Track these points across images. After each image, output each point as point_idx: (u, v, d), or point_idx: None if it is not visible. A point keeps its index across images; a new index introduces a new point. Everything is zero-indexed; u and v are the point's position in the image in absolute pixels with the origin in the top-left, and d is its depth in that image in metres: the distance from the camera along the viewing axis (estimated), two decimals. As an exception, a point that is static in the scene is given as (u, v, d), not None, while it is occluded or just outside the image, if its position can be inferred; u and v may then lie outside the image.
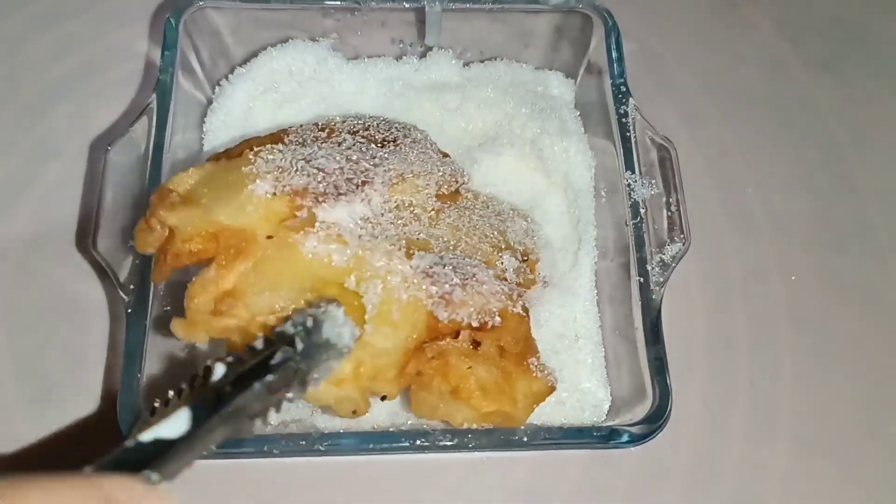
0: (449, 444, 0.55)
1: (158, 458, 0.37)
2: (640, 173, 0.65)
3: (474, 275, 0.57)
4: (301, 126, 0.63)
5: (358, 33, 0.74)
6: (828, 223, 0.77)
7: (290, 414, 0.61)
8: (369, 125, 0.65)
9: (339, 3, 0.70)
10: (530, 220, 0.68)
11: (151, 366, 0.58)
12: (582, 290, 0.67)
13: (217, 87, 0.74)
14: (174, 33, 0.68)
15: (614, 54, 0.70)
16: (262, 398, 0.45)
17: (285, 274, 0.53)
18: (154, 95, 0.65)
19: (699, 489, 0.65)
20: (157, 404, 0.43)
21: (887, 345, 0.72)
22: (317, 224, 0.54)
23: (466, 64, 0.77)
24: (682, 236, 0.63)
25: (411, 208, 0.60)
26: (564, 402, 0.64)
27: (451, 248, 0.59)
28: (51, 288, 0.68)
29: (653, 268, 0.62)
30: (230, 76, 0.74)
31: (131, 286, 0.58)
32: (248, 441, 0.54)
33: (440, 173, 0.63)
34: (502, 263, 0.60)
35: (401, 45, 0.76)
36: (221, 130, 0.72)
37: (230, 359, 0.46)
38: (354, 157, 0.60)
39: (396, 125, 0.66)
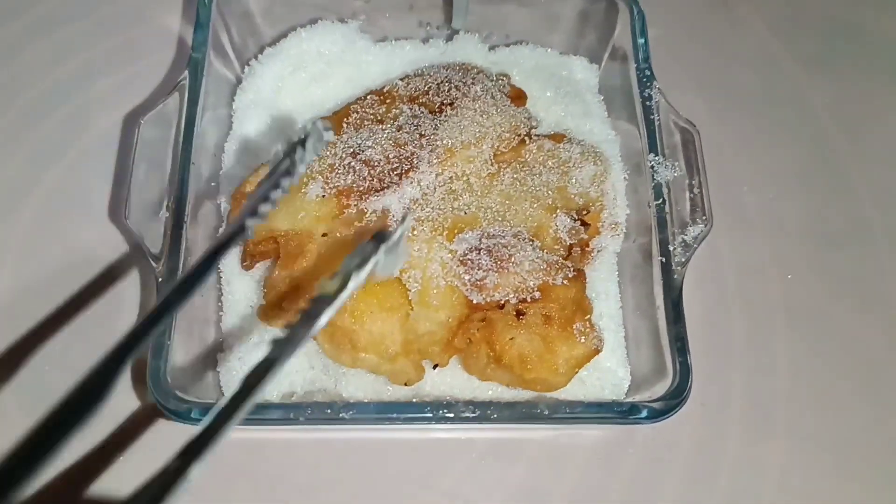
0: (471, 415, 0.56)
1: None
2: (664, 156, 0.66)
3: (511, 255, 0.59)
4: (363, 100, 0.67)
5: (386, 15, 0.75)
6: (823, 220, 0.77)
7: (316, 384, 0.62)
8: (430, 87, 0.68)
9: (369, -16, 0.72)
10: (601, 162, 0.68)
11: (179, 334, 0.59)
12: (604, 268, 0.68)
13: (247, 66, 0.75)
14: (207, 12, 0.69)
15: (639, 39, 0.71)
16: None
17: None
18: (186, 73, 0.66)
19: (698, 487, 0.65)
20: None
21: (884, 340, 0.72)
22: (365, 217, 0.60)
23: (492, 47, 0.78)
24: (704, 218, 0.63)
25: (465, 178, 0.63)
26: (584, 381, 0.64)
27: (500, 218, 0.62)
28: (84, 257, 0.69)
29: (675, 248, 0.62)
30: (259, 56, 0.75)
31: (161, 257, 0.60)
32: (274, 408, 0.56)
33: (500, 129, 0.65)
34: (555, 226, 0.63)
35: (427, 28, 0.77)
36: (251, 109, 0.73)
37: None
38: (403, 140, 0.63)
39: (458, 82, 0.68)
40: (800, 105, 0.83)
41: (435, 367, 0.61)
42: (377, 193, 0.61)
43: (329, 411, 0.55)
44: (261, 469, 0.63)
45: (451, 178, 0.63)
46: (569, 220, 0.63)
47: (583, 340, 0.60)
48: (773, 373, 0.70)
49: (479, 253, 0.59)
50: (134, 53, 0.79)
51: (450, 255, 0.59)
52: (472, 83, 0.68)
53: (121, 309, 0.67)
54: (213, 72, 0.69)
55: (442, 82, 0.68)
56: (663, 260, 0.62)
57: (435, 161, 0.62)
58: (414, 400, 0.60)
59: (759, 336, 0.71)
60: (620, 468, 0.65)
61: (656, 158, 0.66)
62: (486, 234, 0.60)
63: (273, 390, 0.62)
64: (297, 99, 0.74)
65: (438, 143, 0.63)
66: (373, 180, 0.61)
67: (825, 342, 0.71)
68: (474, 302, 0.58)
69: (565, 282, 0.60)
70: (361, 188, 0.61)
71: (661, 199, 0.64)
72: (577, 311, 0.61)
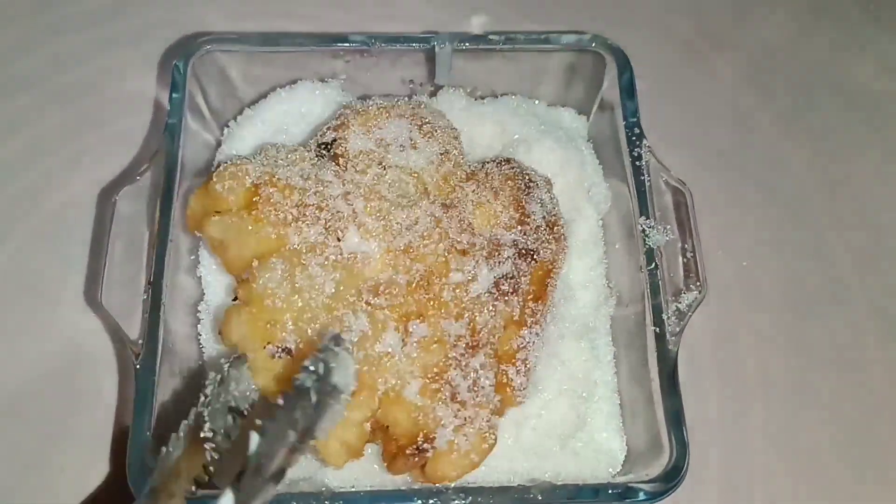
0: (462, 502, 0.54)
1: None
2: (655, 218, 0.64)
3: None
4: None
5: (367, 73, 0.73)
6: (800, 285, 0.75)
7: (299, 472, 0.60)
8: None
9: (349, 44, 0.70)
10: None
11: (160, 417, 0.57)
12: (599, 337, 0.66)
13: (226, 128, 0.73)
14: (182, 77, 0.67)
15: (627, 94, 0.69)
16: (284, 456, 0.47)
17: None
18: (163, 141, 0.64)
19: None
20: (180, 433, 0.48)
21: (863, 408, 0.70)
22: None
23: (478, 98, 0.76)
24: (697, 284, 0.62)
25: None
26: (579, 453, 0.63)
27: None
28: (59, 342, 0.68)
29: (668, 316, 0.61)
30: (238, 118, 0.73)
31: (140, 341, 0.58)
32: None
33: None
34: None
35: (411, 85, 0.75)
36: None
37: (261, 423, 0.48)
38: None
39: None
40: (775, 162, 0.81)
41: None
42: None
43: (316, 501, 0.54)
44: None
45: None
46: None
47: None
48: (751, 446, 0.68)
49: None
50: (109, 118, 0.77)
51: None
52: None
53: (98, 398, 0.66)
54: (190, 136, 0.68)
55: None
56: (657, 330, 0.60)
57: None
58: (403, 488, 0.58)
59: (735, 408, 0.69)
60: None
61: (647, 222, 0.64)
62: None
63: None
64: (278, 160, 0.72)
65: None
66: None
67: (803, 413, 0.70)
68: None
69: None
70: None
71: (653, 265, 0.63)
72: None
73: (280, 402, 0.49)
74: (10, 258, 0.71)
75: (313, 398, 0.49)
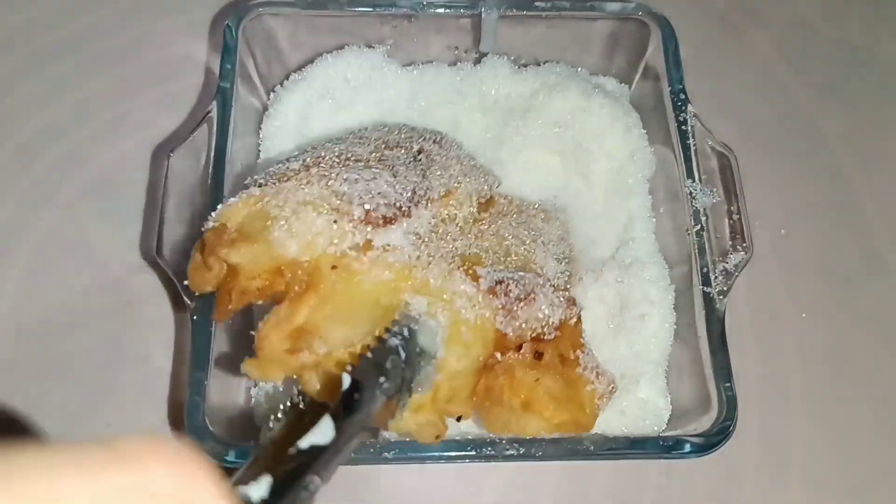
0: (515, 453, 0.55)
1: (314, 463, 0.39)
2: (701, 181, 0.65)
3: (534, 290, 0.56)
4: (333, 143, 0.62)
5: (413, 40, 0.74)
6: (837, 255, 0.76)
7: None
8: (400, 136, 0.64)
9: (396, 10, 0.71)
10: (562, 219, 0.68)
11: (216, 370, 0.58)
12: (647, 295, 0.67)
13: (272, 93, 0.74)
14: (234, 40, 0.68)
15: (673, 62, 0.70)
16: (380, 405, 0.46)
17: (354, 304, 0.52)
18: (214, 103, 0.65)
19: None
20: (279, 415, 0.45)
21: None
22: (373, 250, 0.53)
23: (521, 66, 0.77)
24: (744, 245, 0.63)
25: (456, 221, 0.60)
26: (625, 412, 0.63)
27: (501, 259, 0.59)
28: (116, 294, 0.68)
29: (716, 276, 0.62)
30: (285, 82, 0.74)
31: (196, 294, 0.59)
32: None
33: (479, 181, 0.63)
34: (547, 270, 0.60)
35: (456, 52, 0.76)
36: (277, 137, 0.72)
37: (350, 368, 0.47)
38: (402, 174, 0.58)
39: (427, 132, 0.66)
40: (812, 135, 0.82)
41: (458, 419, 0.55)
42: (390, 224, 0.55)
43: (373, 451, 0.55)
44: None
45: (443, 219, 0.59)
46: (556, 264, 0.62)
47: (599, 379, 0.57)
48: (789, 415, 0.68)
49: (505, 284, 0.56)
50: (157, 80, 0.78)
51: (474, 288, 0.55)
52: (442, 138, 0.66)
53: (153, 347, 0.67)
54: (239, 100, 0.68)
55: (412, 132, 0.65)
56: (705, 289, 0.61)
57: (435, 198, 0.59)
58: (457, 437, 0.59)
59: (773, 377, 0.70)
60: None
61: (693, 185, 0.65)
62: (498, 271, 0.57)
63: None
64: (324, 126, 0.73)
65: (433, 181, 0.59)
66: (387, 209, 0.55)
67: (841, 382, 0.70)
68: (505, 335, 0.55)
69: (576, 320, 0.59)
70: (375, 217, 0.54)
71: (699, 226, 0.63)
72: (584, 352, 0.58)
73: (368, 354, 0.48)
74: (61, 214, 0.72)
75: (402, 354, 0.49)
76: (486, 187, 0.63)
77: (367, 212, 0.54)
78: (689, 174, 0.65)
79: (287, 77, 0.75)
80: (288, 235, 0.52)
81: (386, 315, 0.52)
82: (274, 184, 0.56)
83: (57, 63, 0.78)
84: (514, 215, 0.64)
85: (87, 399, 0.65)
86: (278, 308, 0.52)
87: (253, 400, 0.64)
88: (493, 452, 0.55)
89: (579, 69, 0.77)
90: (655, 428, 0.63)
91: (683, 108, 0.68)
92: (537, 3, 0.71)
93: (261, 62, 0.73)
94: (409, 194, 0.57)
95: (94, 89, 0.77)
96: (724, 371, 0.58)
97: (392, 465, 0.63)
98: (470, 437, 0.58)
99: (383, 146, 0.62)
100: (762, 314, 0.72)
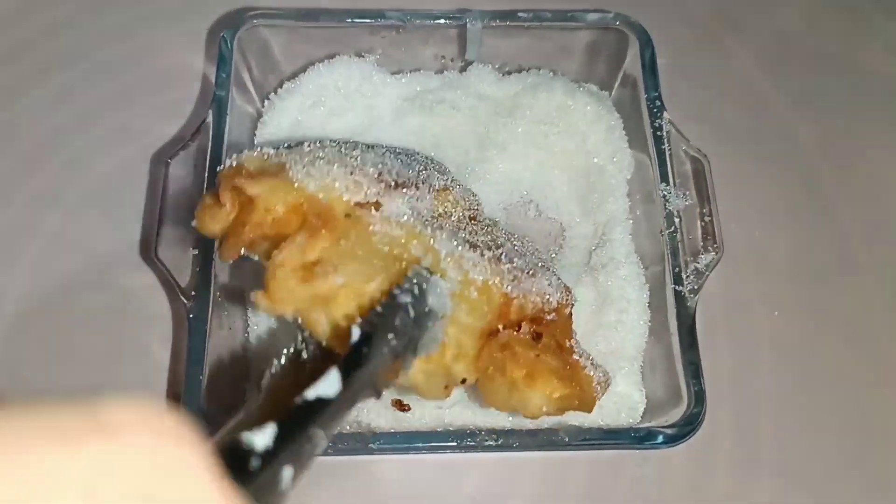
0: (494, 444, 0.58)
1: (318, 416, 0.37)
2: (675, 185, 0.68)
3: (535, 266, 0.58)
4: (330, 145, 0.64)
5: (402, 49, 0.77)
6: (810, 256, 0.78)
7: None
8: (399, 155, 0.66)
9: (385, 21, 0.74)
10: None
11: (213, 369, 0.61)
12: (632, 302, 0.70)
13: (266, 100, 0.77)
14: (229, 50, 0.71)
15: (649, 69, 0.73)
16: (387, 362, 0.46)
17: (366, 251, 0.53)
18: (210, 111, 0.68)
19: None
20: (281, 360, 0.44)
21: (871, 377, 0.73)
22: (382, 211, 0.55)
23: (505, 73, 0.80)
24: (715, 246, 0.66)
25: (452, 217, 0.62)
26: (601, 405, 0.66)
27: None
28: (116, 295, 0.71)
29: (687, 276, 0.64)
30: (279, 90, 0.77)
31: (192, 292, 0.62)
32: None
33: (467, 196, 0.65)
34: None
35: (442, 60, 0.79)
36: (272, 143, 0.75)
37: (360, 321, 0.47)
38: (407, 160, 0.63)
39: (420, 156, 0.69)
40: (788, 140, 0.84)
41: (463, 381, 0.55)
42: (400, 188, 0.57)
43: (358, 442, 0.58)
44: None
45: (440, 213, 0.61)
46: (546, 272, 0.63)
47: (595, 369, 0.59)
48: (760, 408, 0.71)
49: (508, 257, 0.57)
50: (156, 90, 0.81)
51: (480, 256, 0.56)
52: (432, 161, 0.69)
53: (151, 347, 0.70)
54: (234, 107, 0.71)
55: (408, 156, 0.67)
56: (677, 288, 0.64)
57: (437, 187, 0.61)
58: (438, 429, 0.62)
59: (745, 373, 0.72)
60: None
61: (667, 188, 0.68)
62: (503, 246, 0.59)
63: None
64: (316, 132, 0.76)
65: (433, 179, 0.62)
66: (397, 175, 0.58)
67: (812, 380, 0.72)
68: (509, 302, 0.55)
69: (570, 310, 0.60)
70: (387, 179, 0.57)
71: (672, 228, 0.66)
72: (573, 344, 0.60)
73: (378, 309, 0.49)
74: (65, 217, 0.75)
75: (411, 313, 0.48)
76: (475, 204, 0.65)
77: (380, 172, 0.57)
78: (664, 178, 0.68)
79: (281, 85, 0.78)
80: (306, 175, 0.55)
81: (396, 266, 0.53)
82: (287, 147, 0.60)
83: (60, 73, 0.81)
84: (498, 229, 0.66)
85: (88, 394, 0.68)
86: (294, 236, 0.53)
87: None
88: (473, 443, 0.58)
89: (561, 75, 0.80)
90: (630, 420, 0.66)
91: (659, 114, 0.71)
92: (520, 14, 0.74)
93: (255, 71, 0.76)
94: (415, 174, 0.61)
95: (95, 98, 0.80)
96: (693, 366, 0.61)
97: (374, 457, 0.66)
98: (451, 429, 0.61)
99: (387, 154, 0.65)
100: (736, 312, 0.75)
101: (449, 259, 0.54)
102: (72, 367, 0.69)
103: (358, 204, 0.55)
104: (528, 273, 0.57)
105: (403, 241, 0.54)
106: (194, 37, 0.83)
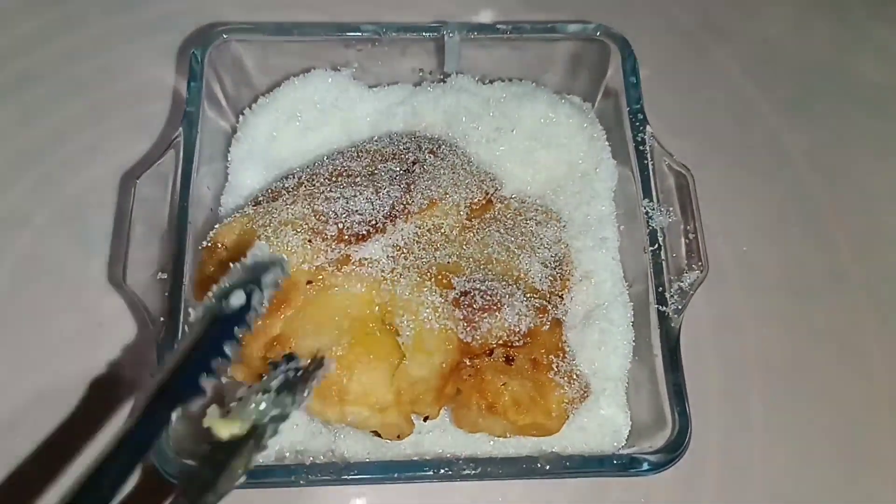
0: (472, 472, 0.56)
1: None
2: (658, 200, 0.66)
3: (500, 299, 0.59)
4: (331, 158, 0.67)
5: (378, 62, 0.75)
6: (799, 271, 0.77)
7: (316, 437, 0.62)
8: (398, 148, 0.67)
9: (360, 34, 0.72)
10: (561, 222, 0.70)
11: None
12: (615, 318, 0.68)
13: (241, 116, 0.76)
14: (199, 65, 0.69)
15: (631, 82, 0.71)
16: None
17: (326, 315, 0.57)
18: (181, 129, 0.66)
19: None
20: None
21: (860, 394, 0.72)
22: (350, 265, 0.58)
23: (487, 82, 0.77)
24: (699, 264, 0.64)
25: (442, 230, 0.63)
26: (585, 428, 0.64)
27: (481, 266, 0.62)
28: (87, 316, 0.70)
29: (671, 295, 0.63)
30: (253, 105, 0.75)
31: (161, 318, 0.60)
32: (276, 471, 0.56)
33: (471, 188, 0.65)
34: (532, 275, 0.63)
35: (420, 73, 0.77)
36: (246, 160, 0.73)
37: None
38: (385, 190, 0.63)
39: (425, 142, 0.68)
40: (776, 151, 0.83)
41: (425, 419, 0.59)
42: (362, 241, 0.59)
43: (332, 472, 0.56)
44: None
45: (429, 229, 0.63)
46: (543, 269, 0.64)
47: (571, 384, 0.60)
48: (750, 429, 0.70)
49: (470, 296, 0.59)
50: (128, 107, 0.79)
51: (441, 298, 0.58)
52: (441, 145, 0.69)
53: (118, 372, 0.68)
54: (207, 123, 0.70)
55: (410, 142, 0.68)
56: (660, 308, 0.62)
57: (415, 211, 0.62)
58: (414, 458, 0.60)
59: (734, 391, 0.71)
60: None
61: (650, 204, 0.66)
62: (472, 279, 0.60)
63: (273, 445, 0.62)
64: (292, 147, 0.74)
65: (416, 195, 0.63)
66: (360, 225, 0.60)
67: (800, 396, 0.71)
68: (469, 343, 0.58)
69: (551, 325, 0.61)
70: (351, 231, 0.59)
71: (656, 246, 0.65)
72: (560, 357, 0.61)
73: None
74: (32, 241, 0.73)
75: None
76: (479, 194, 0.66)
77: (340, 230, 0.59)
78: (647, 193, 0.66)
79: (255, 100, 0.76)
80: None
81: (355, 325, 0.57)
82: (267, 202, 0.63)
83: (27, 90, 0.79)
84: (508, 220, 0.67)
85: (60, 416, 0.66)
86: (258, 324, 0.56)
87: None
88: (450, 472, 0.56)
89: (543, 87, 0.78)
90: (615, 444, 0.64)
91: (642, 128, 0.69)
92: (498, 26, 0.72)
93: (228, 86, 0.74)
94: (386, 210, 0.61)
95: (64, 116, 0.78)
96: (677, 388, 0.60)
97: (353, 487, 0.65)
98: (428, 458, 0.59)
99: (379, 159, 0.67)
100: (723, 329, 0.73)
101: (407, 311, 0.57)
102: (43, 391, 0.67)
103: (320, 267, 0.58)
104: (487, 311, 0.59)
105: (365, 297, 0.58)
106: (166, 53, 0.82)
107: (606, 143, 0.74)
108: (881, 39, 0.90)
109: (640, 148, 0.68)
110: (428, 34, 0.72)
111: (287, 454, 0.62)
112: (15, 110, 0.78)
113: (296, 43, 0.74)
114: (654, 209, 0.66)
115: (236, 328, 0.48)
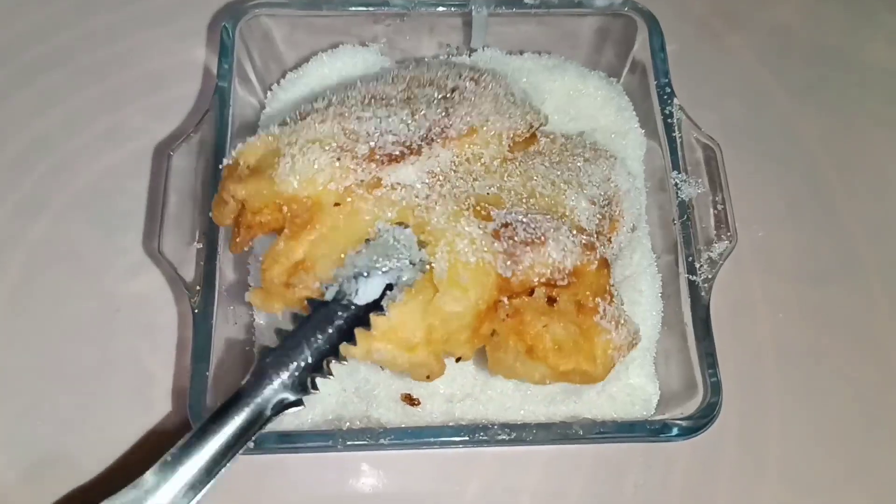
0: (506, 438, 0.57)
1: None
2: (686, 173, 0.67)
3: (545, 233, 0.56)
4: (364, 82, 0.64)
5: (406, 38, 0.76)
6: (814, 256, 0.77)
7: (348, 407, 0.63)
8: (436, 74, 0.65)
9: (389, 8, 0.72)
10: (612, 160, 0.66)
11: (217, 361, 0.60)
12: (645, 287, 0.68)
13: (269, 91, 0.76)
14: (230, 40, 0.70)
15: (659, 55, 0.71)
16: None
17: (354, 241, 0.54)
18: (213, 102, 0.67)
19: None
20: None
21: (876, 378, 0.72)
22: (381, 188, 0.55)
23: (514, 53, 0.78)
24: (728, 234, 0.64)
25: (481, 160, 0.60)
26: (615, 397, 0.65)
27: (523, 200, 0.58)
28: (107, 301, 0.71)
29: (701, 265, 0.63)
30: (282, 81, 0.76)
31: (197, 287, 0.61)
32: (312, 436, 0.57)
33: (514, 119, 0.62)
34: (578, 212, 0.60)
35: (447, 49, 0.77)
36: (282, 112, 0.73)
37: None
38: (422, 112, 0.60)
39: (466, 70, 0.66)
40: (790, 137, 0.83)
41: (457, 360, 0.56)
42: (395, 163, 0.56)
43: (368, 437, 0.56)
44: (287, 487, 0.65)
45: (468, 158, 0.59)
46: (590, 206, 0.60)
47: (619, 330, 0.57)
48: (765, 413, 0.70)
49: (512, 227, 0.55)
50: (161, 83, 0.80)
51: (479, 230, 0.55)
52: (484, 74, 0.65)
53: (155, 341, 0.69)
54: (237, 98, 0.70)
55: (451, 70, 0.66)
56: (690, 277, 0.63)
57: (453, 136, 0.59)
58: (449, 423, 0.60)
59: (750, 377, 0.71)
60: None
61: (679, 176, 0.66)
62: (513, 212, 0.57)
63: (307, 414, 0.62)
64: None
65: (456, 119, 0.59)
66: (395, 146, 0.57)
67: (816, 382, 0.71)
68: (508, 279, 0.54)
69: (599, 265, 0.58)
70: (384, 152, 0.56)
71: (685, 217, 0.65)
72: (607, 300, 0.57)
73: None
74: (53, 223, 0.74)
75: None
76: (522, 126, 0.62)
77: (372, 150, 0.56)
78: (675, 166, 0.67)
79: (284, 76, 0.76)
80: (290, 172, 0.55)
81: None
82: (294, 122, 0.59)
83: (48, 75, 0.80)
84: (554, 155, 0.64)
85: (80, 404, 0.67)
86: (275, 243, 0.55)
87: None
88: (485, 438, 0.57)
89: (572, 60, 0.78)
90: (644, 413, 0.65)
91: (669, 101, 0.69)
92: (526, 1, 0.73)
93: (258, 61, 0.74)
94: (422, 132, 0.58)
95: (85, 99, 0.79)
96: (709, 357, 0.60)
97: (376, 461, 0.66)
98: (463, 423, 0.60)
99: (415, 84, 0.64)
100: (739, 315, 0.73)
101: (442, 241, 0.54)
102: (63, 378, 0.68)
103: (349, 189, 0.55)
104: (530, 245, 0.55)
105: (395, 224, 0.55)
106: (190, 35, 0.82)
107: (634, 114, 0.75)
108: (891, 27, 0.90)
109: (668, 121, 0.69)
110: (456, 8, 0.73)
111: (322, 423, 0.63)
112: (35, 95, 0.79)
113: (324, 18, 0.74)
114: (683, 181, 0.66)
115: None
